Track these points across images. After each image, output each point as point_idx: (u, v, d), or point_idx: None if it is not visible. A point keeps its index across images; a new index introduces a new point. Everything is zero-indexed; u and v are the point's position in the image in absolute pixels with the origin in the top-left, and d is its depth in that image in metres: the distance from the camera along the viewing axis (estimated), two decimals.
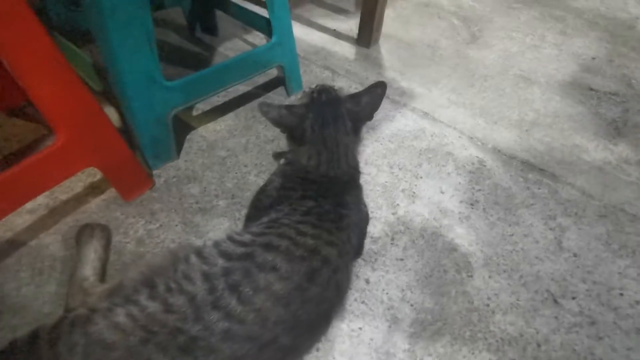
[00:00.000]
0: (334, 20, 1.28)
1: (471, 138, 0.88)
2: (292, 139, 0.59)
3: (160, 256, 0.53)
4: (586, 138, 0.91)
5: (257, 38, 1.13)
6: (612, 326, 0.57)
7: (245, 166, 0.76)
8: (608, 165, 0.84)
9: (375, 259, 0.63)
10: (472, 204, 0.73)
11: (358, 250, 0.62)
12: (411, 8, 1.42)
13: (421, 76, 1.06)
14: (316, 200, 0.55)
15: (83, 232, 0.59)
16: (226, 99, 0.91)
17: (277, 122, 0.58)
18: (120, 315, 0.43)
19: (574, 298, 0.60)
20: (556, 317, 0.58)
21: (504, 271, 0.63)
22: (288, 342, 0.45)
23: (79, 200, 0.67)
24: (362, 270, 0.61)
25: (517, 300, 0.60)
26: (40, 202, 0.65)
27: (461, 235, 0.68)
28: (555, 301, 0.60)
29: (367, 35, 1.15)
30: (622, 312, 0.59)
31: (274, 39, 0.82)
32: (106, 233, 0.61)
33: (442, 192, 0.75)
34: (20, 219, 0.62)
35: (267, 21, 0.83)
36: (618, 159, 0.86)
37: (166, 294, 0.45)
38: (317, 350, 0.52)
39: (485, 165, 0.81)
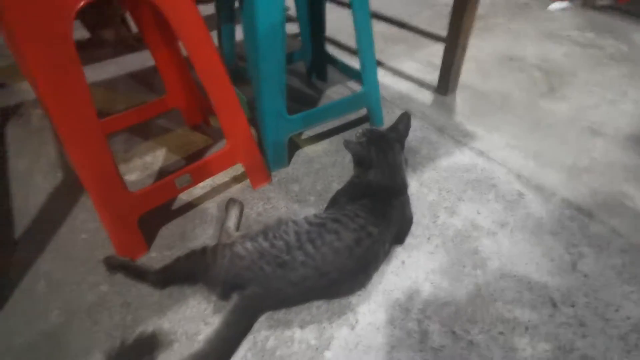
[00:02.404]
0: (422, 72, 1.55)
1: (518, 176, 1.05)
2: (361, 165, 0.88)
3: (272, 220, 0.86)
4: (635, 187, 0.99)
5: (355, 84, 1.47)
6: (599, 331, 0.70)
7: (332, 177, 1.08)
8: None
9: (412, 249, 0.87)
10: (502, 225, 0.91)
11: (400, 239, 0.87)
12: (493, 62, 1.61)
13: (486, 122, 1.26)
14: (371, 199, 0.82)
15: (229, 203, 0.97)
16: (325, 129, 1.25)
17: (354, 153, 0.88)
18: (248, 245, 0.76)
19: (572, 306, 0.75)
20: (551, 315, 0.73)
21: (515, 276, 0.80)
22: (337, 277, 0.73)
23: (227, 185, 1.06)
24: (400, 254, 0.86)
25: (520, 298, 0.76)
26: (207, 182, 1.06)
27: (485, 245, 0.87)
28: (554, 305, 0.75)
29: (444, 85, 1.40)
30: (613, 323, 0.71)
31: (363, 89, 1.14)
32: (241, 205, 0.98)
33: (479, 213, 0.95)
34: (197, 190, 1.04)
35: (361, 75, 1.15)
36: None
37: (273, 239, 0.77)
38: (359, 295, 0.78)
39: (523, 198, 0.98)
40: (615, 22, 1.89)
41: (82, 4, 0.61)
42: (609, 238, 0.87)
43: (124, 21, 1.77)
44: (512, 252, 0.85)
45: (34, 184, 1.09)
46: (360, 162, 0.89)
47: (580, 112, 1.28)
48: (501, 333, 0.71)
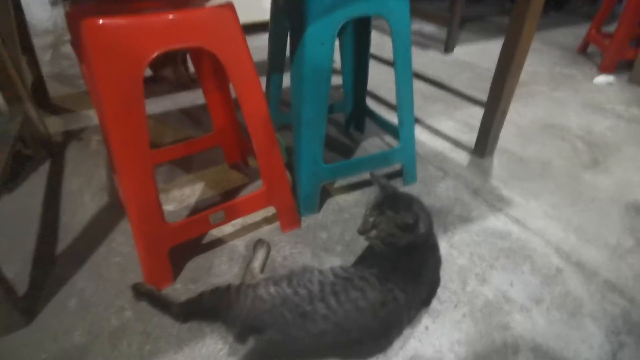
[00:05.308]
0: (459, 132, 1.57)
1: (557, 249, 1.00)
2: (406, 228, 0.75)
3: (298, 267, 0.87)
4: None
5: (391, 139, 1.50)
6: None
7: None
8: None
9: (437, 315, 0.83)
10: (537, 302, 0.86)
11: (427, 302, 0.84)
12: (536, 128, 1.60)
13: (524, 188, 1.23)
14: (407, 259, 0.79)
15: (257, 243, 0.99)
16: (358, 179, 1.27)
17: (411, 223, 0.73)
18: (272, 289, 0.77)
19: None
20: None
21: None
22: (357, 336, 0.71)
23: (257, 225, 1.09)
24: (425, 320, 0.82)
25: None
26: (238, 220, 1.09)
27: (518, 321, 0.82)
28: None
29: (481, 147, 1.40)
30: None
31: (399, 145, 1.16)
32: (268, 247, 0.99)
33: (511, 285, 0.90)
34: (227, 227, 1.07)
35: (398, 130, 1.18)
36: None
37: (297, 286, 0.77)
38: (377, 358, 0.75)
39: (562, 274, 0.93)
40: None
41: (155, 55, 0.68)
42: None
43: (184, 61, 1.94)
44: (548, 333, 0.79)
45: (82, 203, 1.16)
46: (406, 226, 0.75)
47: (626, 188, 1.23)
48: None
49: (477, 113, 1.36)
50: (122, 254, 0.99)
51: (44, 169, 1.32)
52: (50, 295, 0.88)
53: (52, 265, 0.96)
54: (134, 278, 0.90)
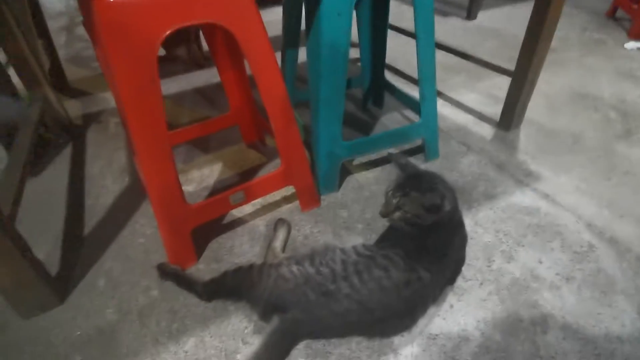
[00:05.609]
0: (483, 105, 1.50)
1: (589, 225, 0.96)
2: (429, 208, 0.71)
3: (319, 245, 0.86)
4: None
5: (411, 113, 1.44)
6: None
7: (381, 206, 1.05)
8: None
9: (462, 293, 0.82)
10: (567, 279, 0.83)
11: (452, 280, 0.82)
12: (564, 98, 1.52)
13: (553, 162, 1.18)
14: (428, 239, 0.77)
15: (277, 223, 0.98)
16: (378, 156, 1.24)
17: (436, 203, 0.70)
18: (294, 268, 0.76)
19: None
20: None
21: (580, 339, 0.72)
22: (380, 315, 0.70)
23: (277, 204, 1.08)
24: (449, 298, 0.81)
25: None
26: (258, 200, 1.09)
27: (547, 299, 0.79)
28: None
29: (507, 120, 1.33)
30: None
31: (421, 120, 1.12)
32: (289, 226, 0.99)
33: (540, 262, 0.87)
34: (247, 207, 1.07)
35: (419, 105, 1.13)
36: None
37: (319, 265, 0.76)
38: (402, 336, 0.75)
39: (594, 251, 0.89)
40: None
41: (167, 33, 0.66)
42: None
43: (197, 39, 1.90)
44: (578, 311, 0.77)
45: (105, 185, 1.18)
46: (433, 207, 0.71)
47: None
48: None
49: (503, 83, 1.29)
50: (145, 235, 1.00)
51: (67, 152, 1.34)
52: (80, 276, 0.91)
53: (80, 246, 0.99)
54: (158, 258, 0.92)
